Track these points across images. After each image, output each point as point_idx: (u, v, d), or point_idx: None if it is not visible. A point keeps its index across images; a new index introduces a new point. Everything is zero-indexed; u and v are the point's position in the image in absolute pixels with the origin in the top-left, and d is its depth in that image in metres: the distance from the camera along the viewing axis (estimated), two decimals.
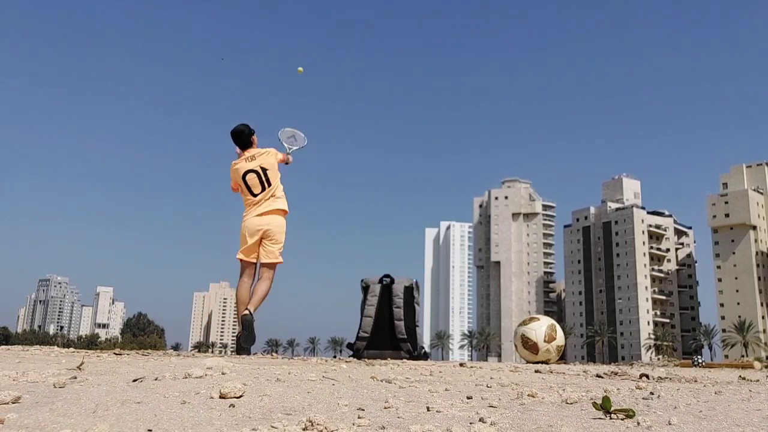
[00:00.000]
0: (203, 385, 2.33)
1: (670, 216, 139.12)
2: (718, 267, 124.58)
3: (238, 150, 6.17)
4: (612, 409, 1.95)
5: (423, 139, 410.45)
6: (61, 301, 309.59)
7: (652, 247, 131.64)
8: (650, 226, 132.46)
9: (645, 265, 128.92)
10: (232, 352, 7.87)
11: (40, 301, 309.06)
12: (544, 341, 7.15)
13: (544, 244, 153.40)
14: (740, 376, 5.27)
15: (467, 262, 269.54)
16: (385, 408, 2.03)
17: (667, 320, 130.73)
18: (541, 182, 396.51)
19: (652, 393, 2.80)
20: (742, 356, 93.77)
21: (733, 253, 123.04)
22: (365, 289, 6.98)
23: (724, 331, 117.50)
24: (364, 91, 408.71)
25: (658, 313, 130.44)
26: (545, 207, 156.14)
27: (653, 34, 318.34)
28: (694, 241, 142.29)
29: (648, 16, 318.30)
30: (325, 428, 1.62)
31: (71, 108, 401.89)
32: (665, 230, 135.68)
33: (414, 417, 1.88)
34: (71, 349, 5.50)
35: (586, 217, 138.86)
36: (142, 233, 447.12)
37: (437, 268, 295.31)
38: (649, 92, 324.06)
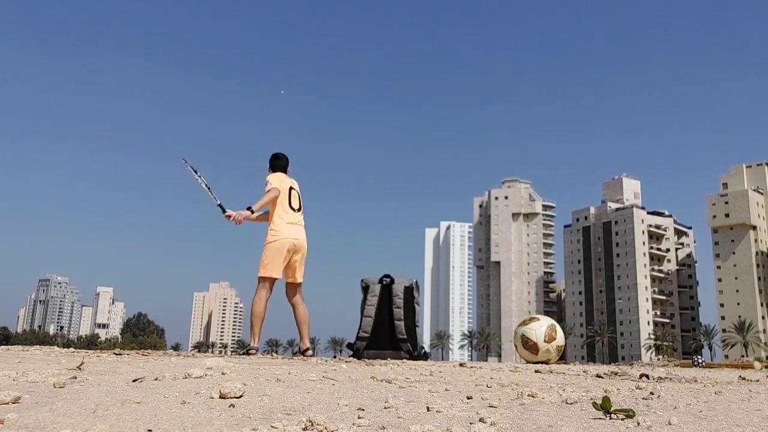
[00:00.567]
0: (203, 385, 2.33)
1: (670, 216, 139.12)
2: (718, 267, 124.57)
3: (270, 172, 6.35)
4: (612, 409, 1.95)
5: (423, 139, 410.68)
6: (61, 301, 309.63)
7: (652, 247, 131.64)
8: (650, 226, 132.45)
9: (645, 265, 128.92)
10: (232, 352, 7.88)
11: (40, 301, 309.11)
12: (544, 341, 7.14)
13: (544, 244, 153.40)
14: (740, 376, 5.27)
15: (467, 262, 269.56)
16: (385, 408, 2.03)
17: (667, 320, 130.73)
18: (541, 182, 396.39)
19: (652, 393, 2.80)
20: (742, 356, 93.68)
21: (733, 253, 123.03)
22: (365, 289, 6.98)
23: (724, 331, 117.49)
24: (364, 91, 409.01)
25: (658, 313, 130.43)
26: (545, 207, 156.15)
27: (653, 34, 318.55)
28: (694, 241, 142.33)
29: (648, 16, 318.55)
30: (325, 428, 1.62)
31: (71, 108, 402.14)
32: (665, 230, 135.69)
33: (414, 417, 1.88)
34: (71, 349, 5.50)
35: (586, 217, 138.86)
36: (142, 233, 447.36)
37: (437, 268, 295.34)
38: (649, 92, 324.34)
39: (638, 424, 1.84)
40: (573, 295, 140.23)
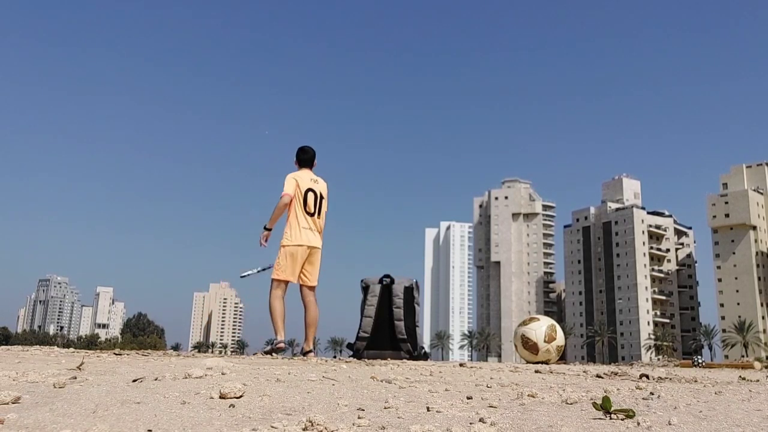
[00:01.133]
0: (203, 386, 2.33)
1: (670, 216, 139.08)
2: (718, 267, 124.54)
3: (297, 165, 6.34)
4: (612, 409, 1.95)
5: (423, 139, 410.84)
6: (61, 301, 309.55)
7: (652, 248, 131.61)
8: (650, 226, 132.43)
9: (645, 265, 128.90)
10: (232, 352, 7.90)
11: (40, 301, 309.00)
12: (544, 341, 7.14)
13: (544, 244, 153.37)
14: (740, 377, 5.27)
15: (467, 262, 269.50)
16: (385, 408, 2.03)
17: (667, 320, 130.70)
18: (541, 182, 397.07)
19: (652, 393, 2.80)
20: (742, 356, 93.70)
21: (733, 253, 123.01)
22: (365, 289, 6.98)
23: (724, 331, 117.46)
24: (364, 91, 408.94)
25: (658, 313, 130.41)
26: (545, 207, 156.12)
27: (653, 34, 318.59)
28: (694, 242, 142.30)
29: (648, 16, 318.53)
30: (325, 428, 1.62)
31: (71, 108, 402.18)
32: (665, 230, 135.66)
33: (414, 417, 1.88)
34: (71, 349, 5.50)
35: (586, 217, 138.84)
36: (142, 233, 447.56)
37: (437, 268, 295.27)
38: (649, 92, 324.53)
39: (638, 424, 1.83)
40: (573, 295, 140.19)
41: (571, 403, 2.30)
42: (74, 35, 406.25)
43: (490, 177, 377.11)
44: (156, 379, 2.55)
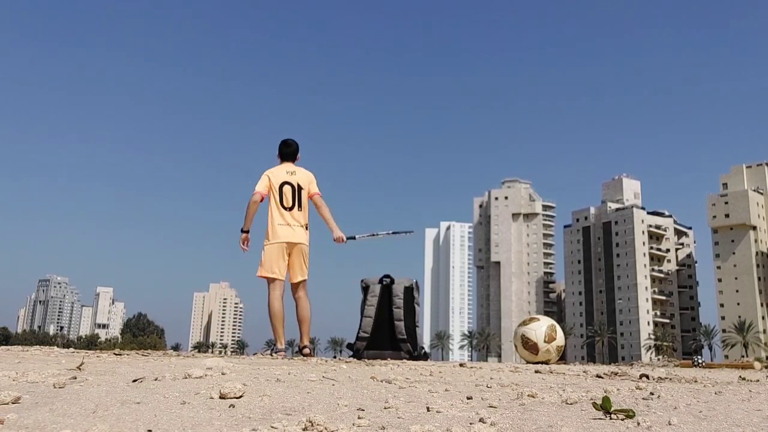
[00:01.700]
0: (203, 386, 2.33)
1: (670, 216, 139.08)
2: (718, 267, 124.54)
3: (279, 159, 6.30)
4: (612, 409, 1.95)
5: (423, 139, 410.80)
6: (61, 301, 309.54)
7: (652, 248, 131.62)
8: (650, 226, 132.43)
9: (645, 265, 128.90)
10: (232, 352, 7.89)
11: (40, 302, 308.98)
12: (544, 341, 7.14)
13: (544, 244, 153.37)
14: (740, 377, 5.27)
15: (467, 263, 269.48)
16: (385, 408, 2.03)
17: (667, 320, 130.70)
18: (541, 182, 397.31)
19: (652, 393, 2.80)
20: (742, 356, 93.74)
21: (733, 253, 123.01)
22: (365, 289, 6.98)
23: (724, 331, 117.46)
24: (364, 90, 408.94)
25: (658, 313, 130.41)
26: (545, 207, 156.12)
27: (653, 34, 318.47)
28: (694, 242, 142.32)
29: (648, 15, 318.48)
30: (325, 428, 1.62)
31: (71, 108, 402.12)
32: (665, 230, 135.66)
33: (414, 417, 1.88)
34: (71, 350, 5.51)
35: (586, 218, 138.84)
36: (142, 233, 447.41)
37: (437, 268, 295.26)
38: (649, 92, 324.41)
39: (638, 424, 1.83)
40: (573, 296, 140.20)
41: (571, 403, 2.30)
42: (74, 35, 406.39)
43: (490, 177, 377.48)
44: (156, 379, 2.55)
